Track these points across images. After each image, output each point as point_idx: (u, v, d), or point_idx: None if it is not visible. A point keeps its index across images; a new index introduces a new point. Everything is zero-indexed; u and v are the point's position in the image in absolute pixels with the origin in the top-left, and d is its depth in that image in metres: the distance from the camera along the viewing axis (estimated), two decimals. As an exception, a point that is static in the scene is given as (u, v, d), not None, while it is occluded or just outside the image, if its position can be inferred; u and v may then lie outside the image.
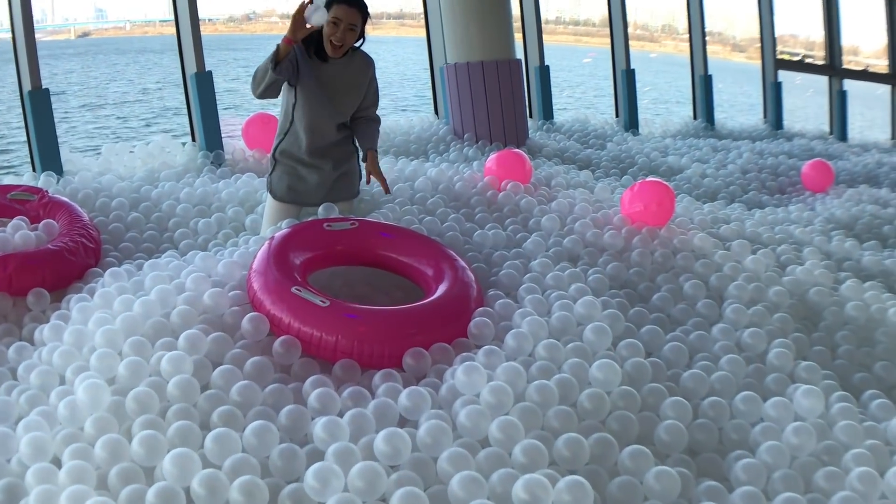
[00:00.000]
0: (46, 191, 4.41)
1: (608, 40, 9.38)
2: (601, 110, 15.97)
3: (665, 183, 4.78)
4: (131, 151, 5.82)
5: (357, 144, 4.30)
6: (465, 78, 7.04)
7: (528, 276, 3.81)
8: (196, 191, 4.85)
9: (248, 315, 3.12)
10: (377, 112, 4.31)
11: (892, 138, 11.85)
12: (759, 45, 10.78)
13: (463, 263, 3.67)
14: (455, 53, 7.16)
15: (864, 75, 11.97)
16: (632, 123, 9.20)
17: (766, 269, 4.31)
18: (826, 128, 11.51)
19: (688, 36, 10.10)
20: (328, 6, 3.87)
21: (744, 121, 11.52)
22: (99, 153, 5.80)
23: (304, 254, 3.58)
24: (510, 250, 4.23)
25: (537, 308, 3.43)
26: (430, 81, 7.93)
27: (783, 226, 5.50)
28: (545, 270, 3.88)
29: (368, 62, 4.17)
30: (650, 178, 4.93)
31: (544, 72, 8.39)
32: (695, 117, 10.20)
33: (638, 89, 9.31)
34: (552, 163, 6.63)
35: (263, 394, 2.74)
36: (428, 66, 7.86)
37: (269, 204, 4.34)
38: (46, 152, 5.25)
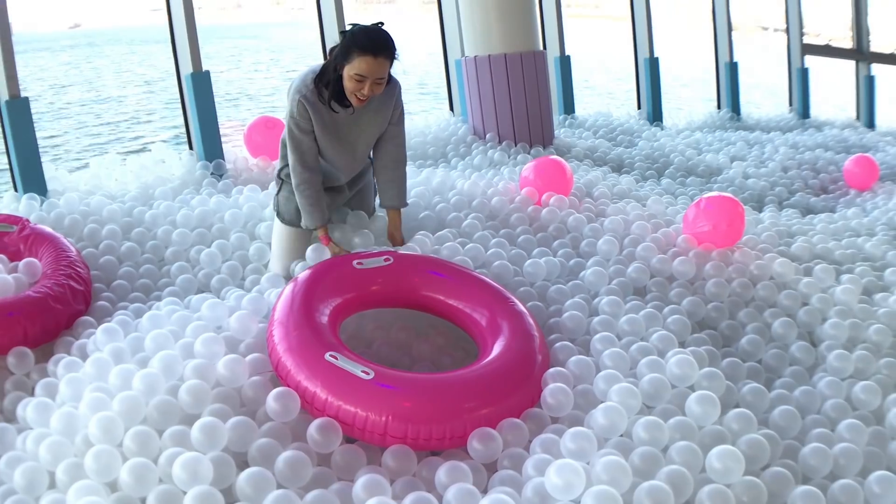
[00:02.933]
0: (27, 220, 3.79)
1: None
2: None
3: (734, 198, 4.20)
4: (123, 163, 5.18)
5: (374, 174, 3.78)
6: (486, 72, 6.42)
7: (597, 319, 3.24)
8: (194, 212, 4.23)
9: (275, 392, 2.52)
10: (403, 137, 3.67)
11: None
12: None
13: (521, 307, 3.09)
14: (474, 46, 6.52)
15: (894, 59, 11.35)
16: (655, 116, 8.60)
17: (858, 300, 3.76)
18: (851, 114, 10.94)
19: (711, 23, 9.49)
20: (345, 54, 3.18)
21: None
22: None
23: (332, 300, 3.00)
24: (567, 282, 3.66)
25: (619, 366, 2.86)
26: (444, 75, 7.30)
27: (848, 238, 4.93)
28: (615, 311, 3.30)
29: (393, 86, 3.46)
30: (716, 192, 4.35)
31: (565, 62, 7.78)
32: (719, 107, 9.62)
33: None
34: (585, 165, 6.04)
35: (304, 505, 2.16)
36: (442, 59, 7.23)
37: (277, 229, 3.76)
38: (28, 170, 4.59)
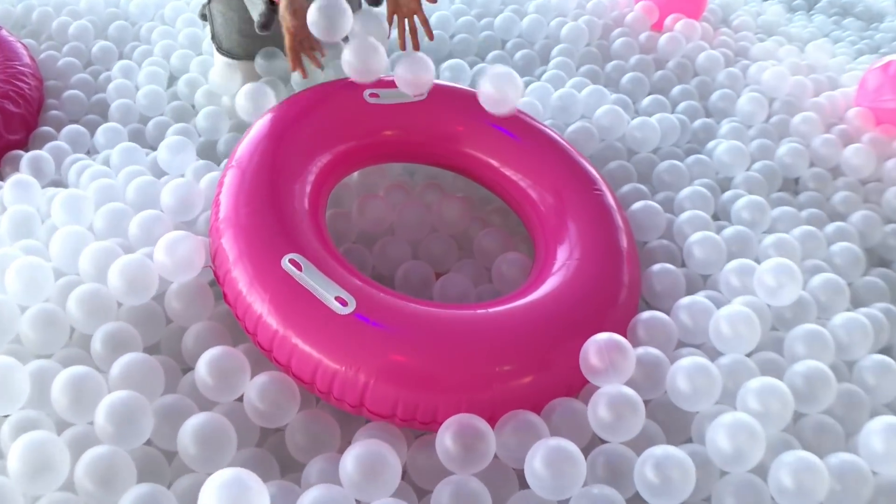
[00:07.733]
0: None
1: None
2: None
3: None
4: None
5: None
6: None
7: (728, 231, 2.12)
8: (189, 5, 3.11)
9: (218, 350, 1.55)
10: None
11: None
12: None
13: (613, 201, 2.00)
14: None
15: None
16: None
17: None
18: None
19: None
20: None
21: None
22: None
23: (326, 150, 1.94)
24: (686, 155, 2.53)
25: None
26: None
27: None
28: (757, 219, 2.20)
29: None
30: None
31: None
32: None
33: None
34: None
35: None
36: None
37: (216, 63, 2.51)
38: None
